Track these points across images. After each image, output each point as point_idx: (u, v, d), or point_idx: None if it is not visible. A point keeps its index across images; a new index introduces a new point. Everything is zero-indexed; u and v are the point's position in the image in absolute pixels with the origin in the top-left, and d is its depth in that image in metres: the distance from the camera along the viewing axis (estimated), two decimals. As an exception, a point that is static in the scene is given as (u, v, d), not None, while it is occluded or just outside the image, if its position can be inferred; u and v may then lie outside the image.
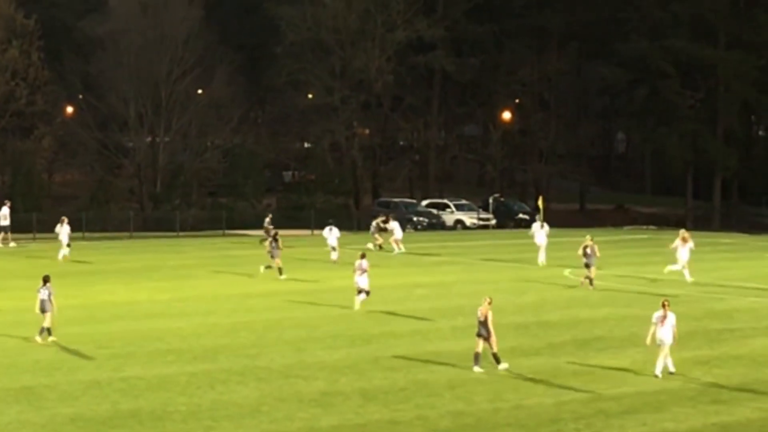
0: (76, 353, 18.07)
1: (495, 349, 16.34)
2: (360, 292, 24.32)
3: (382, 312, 24.25)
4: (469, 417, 13.37)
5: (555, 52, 74.70)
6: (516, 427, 12.84)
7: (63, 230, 36.51)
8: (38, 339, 19.26)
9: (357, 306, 24.27)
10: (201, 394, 14.67)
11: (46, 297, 19.38)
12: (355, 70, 68.04)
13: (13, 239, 41.82)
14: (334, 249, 35.26)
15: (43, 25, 61.78)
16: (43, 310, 19.33)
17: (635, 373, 16.71)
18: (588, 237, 29.80)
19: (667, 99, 67.14)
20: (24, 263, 35.80)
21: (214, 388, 15.17)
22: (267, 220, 40.54)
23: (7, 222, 41.67)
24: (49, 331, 19.31)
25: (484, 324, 16.20)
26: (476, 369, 16.37)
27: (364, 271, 24.27)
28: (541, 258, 35.47)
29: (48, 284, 19.48)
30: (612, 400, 14.56)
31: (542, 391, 15.15)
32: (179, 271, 33.41)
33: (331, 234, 35.69)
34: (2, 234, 40.83)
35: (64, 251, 35.74)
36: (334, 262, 34.64)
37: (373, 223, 41.35)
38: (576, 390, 15.28)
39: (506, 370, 16.46)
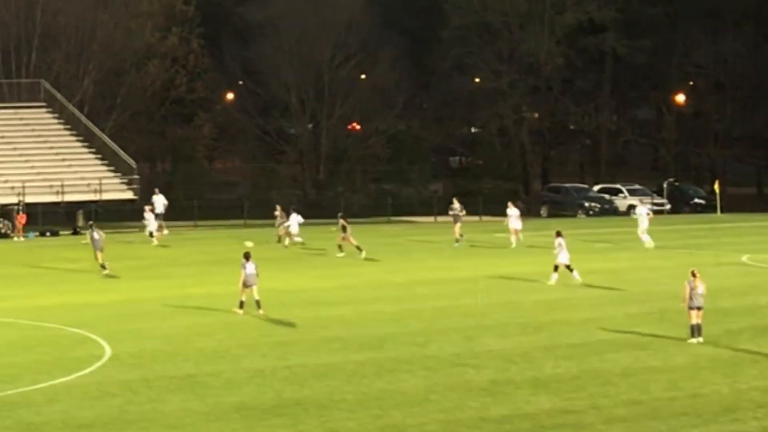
0: (239, 341, 18.34)
1: (700, 321, 17.38)
2: (569, 268, 25.54)
3: (552, 299, 23.96)
4: (644, 406, 12.92)
5: (730, 33, 70.37)
6: (692, 416, 12.26)
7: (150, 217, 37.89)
8: (239, 311, 20.75)
9: (579, 279, 25.60)
10: (368, 383, 14.69)
11: (253, 271, 20.82)
12: (523, 53, 67.00)
13: (175, 227, 43.06)
14: (296, 235, 35.66)
15: (203, 12, 62.33)
16: (248, 285, 20.79)
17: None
18: None
19: None
20: (177, 252, 37.02)
21: (381, 376, 15.20)
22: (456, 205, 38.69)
23: (160, 210, 41.99)
24: (258, 303, 20.76)
25: (703, 296, 17.27)
26: (695, 341, 17.40)
27: (563, 247, 25.59)
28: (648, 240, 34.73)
29: (251, 260, 20.90)
30: (794, 389, 13.68)
31: (719, 380, 14.41)
32: (343, 259, 33.15)
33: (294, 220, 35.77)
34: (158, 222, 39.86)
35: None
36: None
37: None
38: (755, 378, 14.49)
39: (698, 342, 17.25)
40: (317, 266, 31.95)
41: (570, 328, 19.74)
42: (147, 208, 39.48)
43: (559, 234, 26.18)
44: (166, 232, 37.80)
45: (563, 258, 25.69)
